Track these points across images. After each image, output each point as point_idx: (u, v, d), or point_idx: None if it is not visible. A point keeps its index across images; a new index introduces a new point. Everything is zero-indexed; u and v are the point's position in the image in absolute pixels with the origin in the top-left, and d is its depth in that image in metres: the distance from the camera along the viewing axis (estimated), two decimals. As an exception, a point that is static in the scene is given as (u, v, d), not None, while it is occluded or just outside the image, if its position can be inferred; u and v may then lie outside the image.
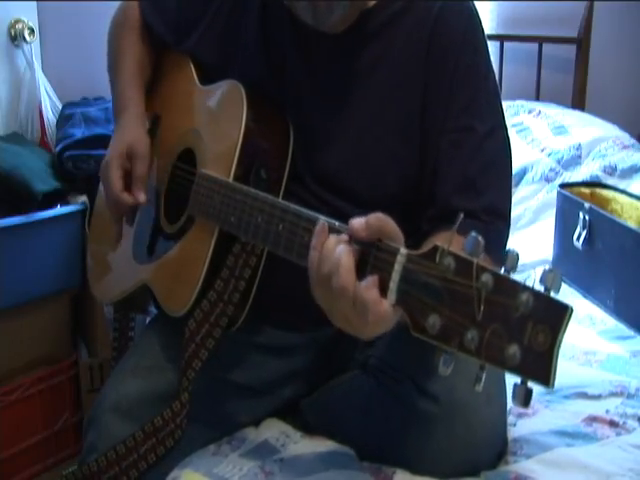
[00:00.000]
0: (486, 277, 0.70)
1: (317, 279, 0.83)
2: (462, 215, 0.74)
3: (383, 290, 0.78)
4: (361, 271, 0.81)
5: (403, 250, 0.77)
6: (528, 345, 0.67)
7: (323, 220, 0.86)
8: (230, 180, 1.07)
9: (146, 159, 1.19)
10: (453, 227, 0.73)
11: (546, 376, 0.67)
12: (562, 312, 0.67)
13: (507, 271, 0.70)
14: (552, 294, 0.68)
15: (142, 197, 1.17)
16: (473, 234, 0.71)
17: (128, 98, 1.26)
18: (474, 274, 0.70)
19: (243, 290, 1.08)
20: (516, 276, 2.07)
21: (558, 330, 0.66)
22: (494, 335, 0.69)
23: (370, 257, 0.80)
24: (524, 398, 0.70)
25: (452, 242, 0.73)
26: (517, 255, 0.70)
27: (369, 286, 0.78)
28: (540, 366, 0.67)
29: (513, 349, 0.68)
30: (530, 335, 0.67)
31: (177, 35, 1.26)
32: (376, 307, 0.78)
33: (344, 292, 0.79)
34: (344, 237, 0.82)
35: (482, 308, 0.69)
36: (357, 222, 0.81)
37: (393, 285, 0.77)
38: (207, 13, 1.21)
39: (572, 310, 0.67)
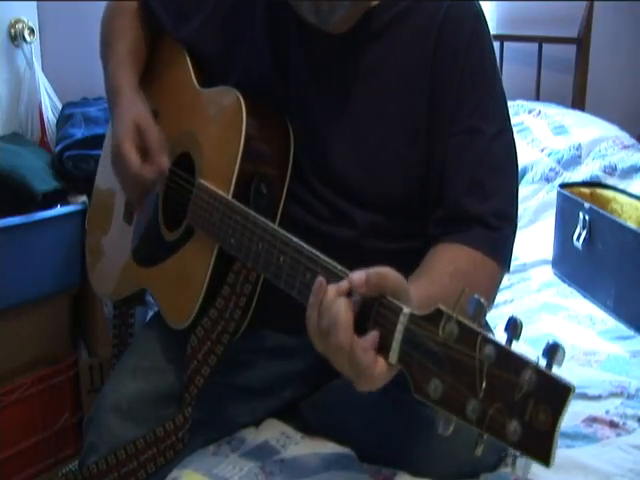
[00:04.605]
0: (489, 350, 0.69)
1: (316, 333, 0.82)
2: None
3: (384, 348, 0.77)
4: (361, 324, 0.79)
5: (406, 310, 0.76)
6: (529, 422, 0.66)
7: (321, 279, 0.83)
8: (229, 197, 1.05)
9: (155, 129, 1.15)
10: (458, 300, 0.72)
11: (546, 456, 0.66)
12: (564, 392, 0.65)
13: (510, 340, 0.69)
14: (555, 368, 0.66)
15: (165, 161, 1.12)
16: (475, 296, 0.71)
17: (122, 76, 1.23)
18: (477, 345, 0.69)
19: (244, 305, 1.08)
20: (515, 276, 2.05)
21: (560, 411, 0.65)
22: (496, 410, 0.68)
23: (372, 311, 0.79)
24: (524, 469, 0.69)
25: (457, 304, 0.72)
26: (521, 324, 0.69)
27: (366, 347, 0.77)
28: (540, 446, 0.66)
29: (514, 425, 0.67)
30: (531, 413, 0.66)
31: (177, 21, 1.24)
32: (369, 370, 0.77)
33: (340, 350, 0.79)
34: (344, 287, 0.81)
35: (484, 384, 0.69)
36: (357, 278, 0.79)
37: (396, 345, 0.76)
38: (209, 1, 1.19)
39: (574, 389, 0.65)
